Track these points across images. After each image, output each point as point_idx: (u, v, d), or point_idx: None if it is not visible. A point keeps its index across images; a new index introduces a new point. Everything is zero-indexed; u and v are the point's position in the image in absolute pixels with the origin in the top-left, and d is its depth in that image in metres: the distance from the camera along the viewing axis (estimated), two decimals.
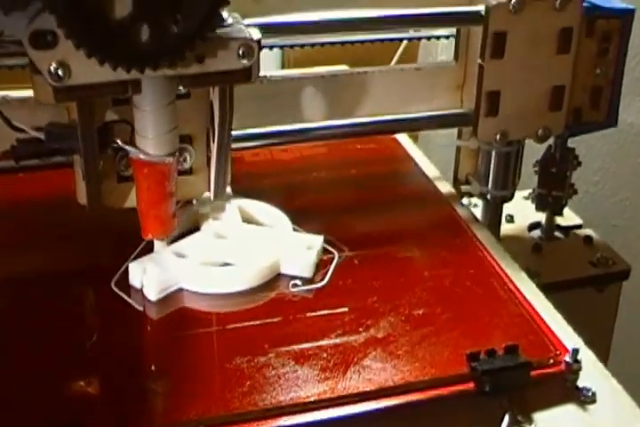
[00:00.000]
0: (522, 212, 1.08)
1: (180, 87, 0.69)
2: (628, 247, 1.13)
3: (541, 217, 1.06)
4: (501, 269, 0.81)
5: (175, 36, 0.62)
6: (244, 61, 0.66)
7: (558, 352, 0.69)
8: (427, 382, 0.66)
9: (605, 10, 0.90)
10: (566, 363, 0.69)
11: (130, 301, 0.75)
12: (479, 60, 0.87)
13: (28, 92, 0.69)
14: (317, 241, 0.80)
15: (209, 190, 0.79)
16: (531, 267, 0.91)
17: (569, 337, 0.72)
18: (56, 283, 0.78)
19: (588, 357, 0.70)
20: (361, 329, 0.71)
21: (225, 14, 0.65)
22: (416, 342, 0.70)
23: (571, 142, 0.99)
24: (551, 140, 0.97)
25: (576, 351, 0.68)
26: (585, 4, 0.87)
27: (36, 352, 0.70)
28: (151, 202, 0.73)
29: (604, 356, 0.73)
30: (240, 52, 0.66)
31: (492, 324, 0.73)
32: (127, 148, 0.71)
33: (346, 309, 0.74)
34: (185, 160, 0.77)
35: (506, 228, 1.02)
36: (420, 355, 0.69)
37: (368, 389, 0.65)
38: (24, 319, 0.73)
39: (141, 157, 0.71)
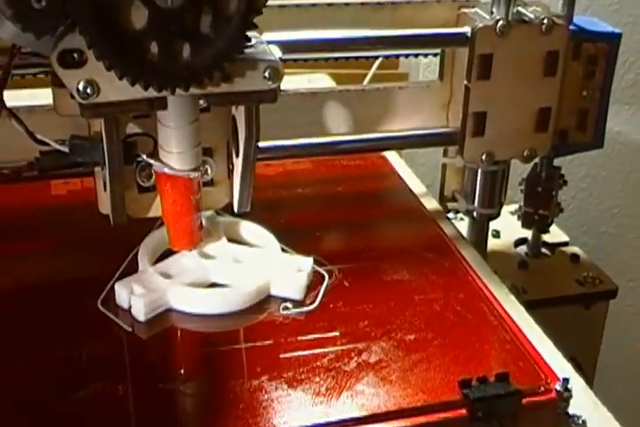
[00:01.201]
0: (508, 227, 1.08)
1: (201, 101, 0.69)
2: (616, 255, 1.13)
3: (528, 233, 1.06)
4: (490, 293, 0.81)
5: (206, 57, 0.62)
6: (270, 83, 0.66)
7: (549, 380, 0.70)
8: (419, 409, 0.66)
9: (592, 33, 0.92)
10: (557, 391, 0.69)
11: (118, 321, 0.73)
12: (465, 82, 0.88)
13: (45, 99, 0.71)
14: (308, 263, 0.80)
15: (230, 201, 0.79)
16: (517, 283, 0.91)
17: (559, 364, 0.72)
18: (44, 297, 0.77)
19: (578, 384, 0.71)
20: (353, 354, 0.71)
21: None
22: (408, 367, 0.70)
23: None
24: (537, 159, 0.98)
25: (566, 381, 0.68)
26: (571, 28, 0.89)
27: (22, 368, 0.69)
28: (177, 215, 0.74)
29: (590, 372, 0.73)
30: (266, 74, 0.67)
31: (482, 350, 0.73)
32: (152, 162, 0.72)
33: (337, 333, 0.74)
34: (206, 172, 0.77)
35: (492, 243, 1.03)
36: (412, 381, 0.68)
37: (361, 415, 0.65)
38: (11, 332, 0.72)
39: (166, 171, 0.70)
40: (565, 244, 1.09)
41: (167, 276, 0.77)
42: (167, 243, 0.78)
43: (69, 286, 0.79)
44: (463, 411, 0.66)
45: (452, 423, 0.66)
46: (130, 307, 0.75)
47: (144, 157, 0.72)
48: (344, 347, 0.72)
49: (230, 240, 0.83)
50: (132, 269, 0.78)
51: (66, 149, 0.71)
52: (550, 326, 0.78)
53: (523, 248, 1.09)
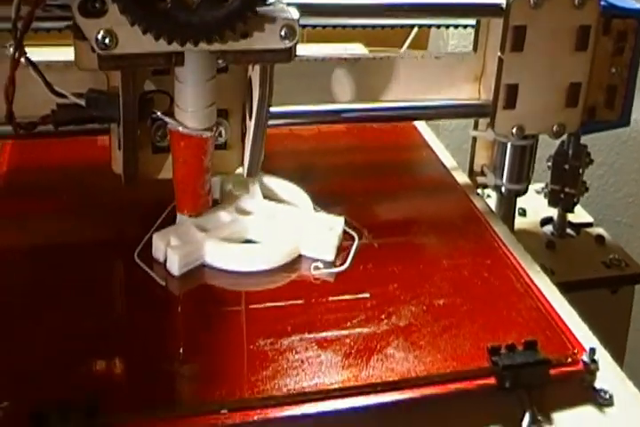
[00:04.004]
0: (534, 206, 1.09)
1: (219, 61, 0.69)
2: (631, 245, 1.13)
3: (553, 212, 1.06)
4: (517, 262, 0.81)
5: (226, 9, 0.62)
6: (286, 41, 0.66)
7: (576, 351, 0.70)
8: (449, 375, 0.66)
9: (622, 9, 0.91)
10: (584, 362, 0.69)
11: (152, 274, 0.74)
12: (499, 53, 0.88)
13: (66, 56, 0.70)
14: (339, 223, 0.80)
15: (242, 166, 0.79)
16: (545, 264, 0.91)
17: (585, 336, 0.73)
18: (80, 252, 0.77)
19: (604, 358, 0.71)
20: (383, 317, 0.72)
21: None
22: (437, 333, 0.71)
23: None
24: (564, 137, 0.98)
25: (593, 351, 0.69)
26: (602, 3, 0.88)
27: (55, 324, 0.69)
28: (187, 176, 0.74)
29: (619, 358, 0.74)
30: (283, 32, 0.67)
31: (510, 317, 0.73)
32: (167, 119, 0.71)
33: (367, 295, 0.74)
34: (220, 135, 0.77)
35: (519, 221, 1.03)
36: (441, 346, 0.69)
37: (391, 379, 0.65)
38: (45, 289, 0.73)
39: (180, 129, 0.70)
40: (590, 224, 1.08)
41: (204, 229, 0.77)
42: (177, 209, 0.78)
43: (106, 242, 0.79)
44: (492, 380, 0.66)
45: (481, 392, 0.66)
46: (165, 260, 0.75)
47: (159, 113, 0.72)
48: (374, 309, 0.72)
49: (266, 197, 0.83)
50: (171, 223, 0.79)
51: (82, 103, 0.71)
52: (577, 311, 0.77)
53: (548, 228, 1.09)
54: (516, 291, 0.77)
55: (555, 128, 0.90)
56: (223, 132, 0.77)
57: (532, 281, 0.78)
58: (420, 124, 1.07)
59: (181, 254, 0.74)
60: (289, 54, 0.68)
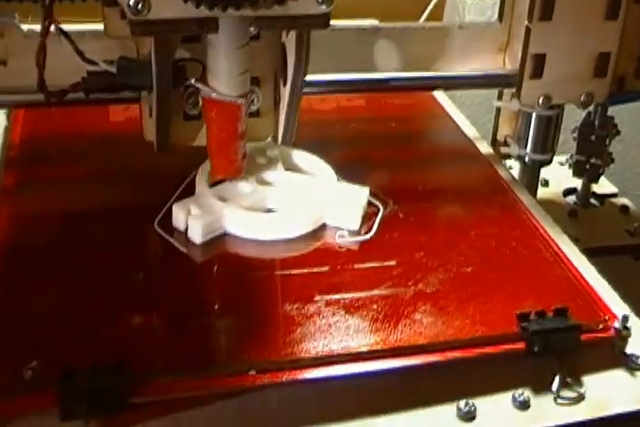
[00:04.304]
0: (557, 177, 1.08)
1: (251, 28, 0.68)
2: None
3: (576, 183, 1.05)
4: (545, 232, 0.80)
5: None
6: (323, 6, 0.65)
7: (607, 317, 0.69)
8: (478, 340, 0.65)
9: None
10: (615, 329, 0.68)
11: (173, 242, 0.73)
12: (526, 22, 0.87)
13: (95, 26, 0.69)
14: (364, 192, 0.79)
15: (275, 133, 0.78)
16: (568, 232, 0.90)
17: (615, 303, 0.71)
18: (104, 219, 0.77)
19: (635, 324, 0.69)
20: (410, 283, 0.71)
21: None
22: (465, 299, 0.69)
23: None
24: (590, 107, 0.97)
25: (626, 318, 0.68)
26: None
27: (82, 286, 0.69)
28: (222, 142, 0.73)
29: None
30: None
31: (539, 286, 0.72)
32: (200, 87, 0.70)
33: (393, 262, 0.73)
34: (252, 102, 0.76)
35: (541, 192, 1.02)
36: (469, 312, 0.68)
37: (420, 342, 0.64)
38: (71, 254, 0.72)
39: (214, 96, 0.69)
40: (614, 195, 1.08)
41: (223, 199, 0.76)
42: (211, 174, 0.77)
43: (126, 210, 0.79)
44: (521, 344, 0.65)
45: (510, 357, 0.65)
46: (186, 229, 0.74)
47: (192, 81, 0.71)
48: (401, 276, 0.71)
49: (287, 169, 0.82)
50: (189, 193, 0.78)
51: (113, 70, 0.70)
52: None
53: (572, 198, 1.09)
54: (545, 260, 0.76)
55: (582, 98, 0.89)
56: (255, 99, 0.76)
57: (561, 250, 0.77)
58: (440, 96, 1.06)
59: (203, 223, 0.73)
60: (326, 20, 0.67)
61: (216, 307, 0.68)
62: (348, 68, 0.89)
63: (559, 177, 1.09)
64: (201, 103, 0.73)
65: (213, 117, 0.72)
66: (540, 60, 0.88)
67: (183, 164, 0.81)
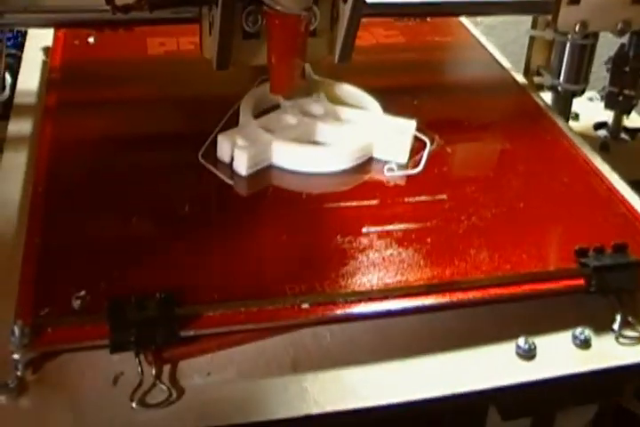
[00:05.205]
0: (586, 112, 1.07)
1: None
2: None
3: (606, 118, 1.05)
4: (596, 168, 0.77)
5: None
6: None
7: None
8: (536, 275, 0.63)
9: None
10: None
11: (219, 174, 0.71)
12: None
13: None
14: (411, 126, 0.76)
15: (330, 54, 0.76)
16: None
17: None
18: (148, 148, 0.76)
19: None
20: (462, 217, 0.68)
21: None
22: (520, 234, 0.68)
23: None
24: (625, 39, 0.95)
25: None
26: None
27: (127, 217, 0.67)
28: (282, 58, 0.72)
29: None
30: None
31: (595, 222, 0.70)
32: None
33: (444, 196, 0.71)
34: (311, 21, 0.73)
35: (572, 125, 0.99)
36: (525, 248, 0.66)
37: (477, 277, 0.62)
38: (114, 182, 0.70)
39: (278, 8, 0.68)
40: None
41: (269, 131, 0.73)
42: (270, 92, 0.76)
43: (168, 140, 0.76)
44: (580, 281, 0.63)
45: (569, 293, 0.63)
46: (231, 160, 0.71)
47: None
48: (452, 210, 0.69)
49: (329, 101, 0.79)
50: (232, 124, 0.76)
51: None
52: None
53: (602, 132, 1.07)
54: (600, 196, 0.73)
55: (619, 26, 0.86)
56: (312, 18, 0.74)
57: (613, 186, 0.74)
58: (476, 30, 1.05)
59: (250, 154, 0.70)
60: None
61: (265, 240, 0.65)
62: None
63: (589, 112, 1.08)
64: (260, 21, 0.72)
65: (276, 31, 0.70)
66: None
67: (225, 92, 0.80)
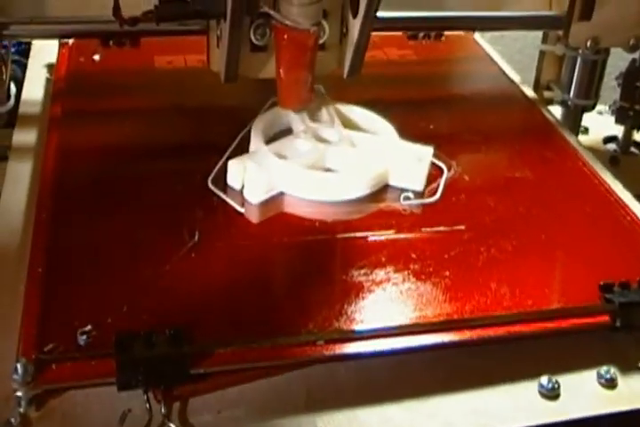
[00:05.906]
0: (596, 126, 1.06)
1: None
2: None
3: (616, 132, 1.04)
4: (617, 196, 0.75)
5: None
6: None
7: None
8: (559, 311, 0.61)
9: None
10: None
11: (229, 201, 0.68)
12: None
13: None
14: (428, 153, 0.74)
15: (339, 68, 0.75)
16: None
17: None
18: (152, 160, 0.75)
19: None
20: (482, 249, 0.66)
21: None
22: (541, 267, 0.65)
23: None
24: (636, 55, 0.95)
25: None
26: None
27: (131, 246, 0.64)
28: (291, 70, 0.71)
29: None
30: None
31: (618, 254, 0.68)
32: (274, 14, 0.68)
33: (463, 227, 0.68)
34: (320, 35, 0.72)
35: (581, 139, 0.99)
36: (548, 282, 0.63)
37: (498, 313, 0.59)
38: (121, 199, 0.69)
39: (287, 23, 0.67)
40: None
41: (281, 157, 0.71)
42: (278, 105, 0.75)
43: (177, 152, 0.76)
44: (605, 318, 0.60)
45: (594, 330, 0.60)
46: (242, 187, 0.69)
47: (266, 8, 0.68)
48: (471, 242, 0.67)
49: (344, 126, 0.77)
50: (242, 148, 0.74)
51: None
52: None
53: (612, 146, 1.06)
54: (624, 227, 0.71)
55: (631, 42, 0.86)
56: (321, 32, 0.72)
57: (637, 216, 0.71)
58: (484, 42, 1.04)
59: (261, 181, 0.68)
60: None
61: (278, 273, 0.63)
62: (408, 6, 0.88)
63: (598, 126, 1.07)
64: (269, 34, 0.71)
65: (285, 46, 0.69)
66: (589, 2, 0.84)
67: (232, 106, 0.80)
